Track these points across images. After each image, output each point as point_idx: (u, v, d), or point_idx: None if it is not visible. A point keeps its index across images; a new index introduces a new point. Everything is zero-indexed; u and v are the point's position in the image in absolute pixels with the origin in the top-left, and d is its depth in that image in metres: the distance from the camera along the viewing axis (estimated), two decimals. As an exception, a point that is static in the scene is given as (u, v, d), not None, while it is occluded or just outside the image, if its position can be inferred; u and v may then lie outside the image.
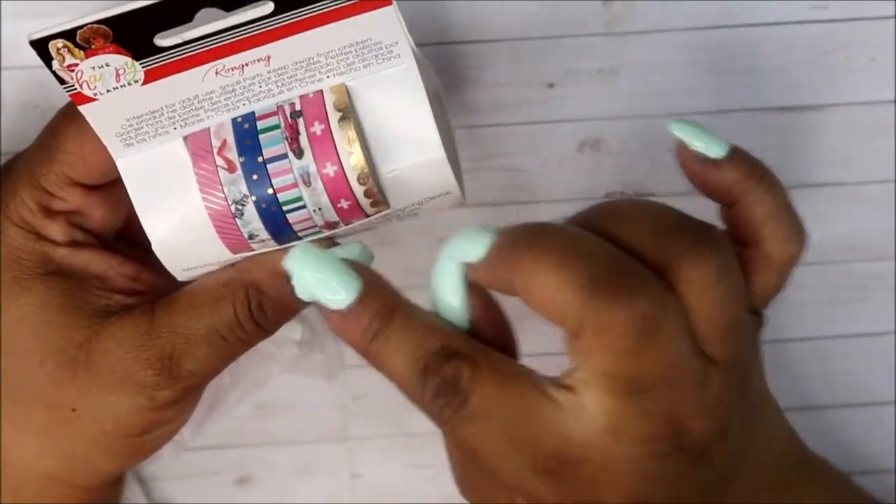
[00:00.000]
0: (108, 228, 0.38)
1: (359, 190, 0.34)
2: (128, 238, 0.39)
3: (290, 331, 0.43)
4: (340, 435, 0.46)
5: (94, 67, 0.32)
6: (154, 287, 0.37)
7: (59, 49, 0.32)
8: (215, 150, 0.34)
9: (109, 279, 0.36)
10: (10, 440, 0.37)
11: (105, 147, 0.34)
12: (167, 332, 0.35)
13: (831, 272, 0.45)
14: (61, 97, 0.42)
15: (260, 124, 0.34)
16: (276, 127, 0.34)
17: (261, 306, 0.35)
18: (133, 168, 0.35)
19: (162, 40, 0.32)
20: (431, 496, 0.46)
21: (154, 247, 0.35)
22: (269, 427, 0.46)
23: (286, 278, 0.34)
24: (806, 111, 0.44)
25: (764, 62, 0.43)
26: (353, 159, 0.33)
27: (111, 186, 0.36)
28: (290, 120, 0.34)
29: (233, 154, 0.34)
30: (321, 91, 0.34)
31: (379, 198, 0.34)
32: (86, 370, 0.35)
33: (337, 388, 0.45)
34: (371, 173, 0.34)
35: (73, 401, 0.36)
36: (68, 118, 0.35)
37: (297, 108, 0.34)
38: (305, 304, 0.35)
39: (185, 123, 0.34)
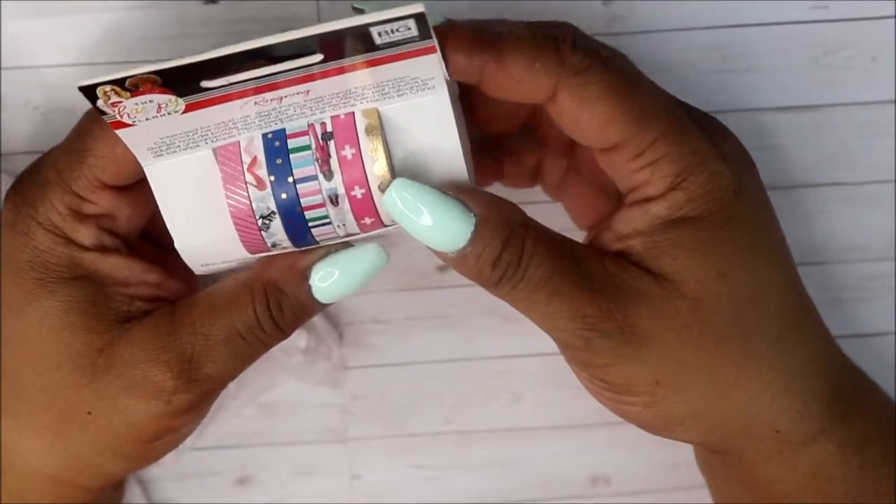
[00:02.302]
0: (133, 229, 0.38)
1: (381, 205, 0.34)
2: (150, 237, 0.39)
3: (297, 339, 0.43)
4: (340, 435, 0.46)
5: (137, 103, 0.32)
6: (176, 294, 0.37)
7: (105, 91, 0.32)
8: (245, 167, 0.34)
9: (133, 286, 0.36)
10: (11, 438, 0.37)
11: None
12: (187, 334, 0.35)
13: (831, 272, 0.45)
14: (61, 97, 0.42)
15: (291, 143, 0.34)
16: (307, 148, 0.34)
17: (279, 305, 0.35)
18: (161, 174, 0.35)
19: (208, 83, 0.32)
20: (431, 496, 0.46)
21: (177, 247, 0.35)
22: (269, 427, 0.46)
23: (303, 277, 0.35)
24: (806, 111, 0.44)
25: (764, 62, 0.43)
26: (377, 167, 0.34)
27: (138, 186, 0.36)
28: (321, 142, 0.34)
29: (263, 172, 0.34)
30: (352, 114, 0.34)
31: None
32: (104, 374, 0.35)
33: (325, 378, 0.45)
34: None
35: (88, 404, 0.36)
36: (97, 121, 0.35)
37: (329, 129, 0.34)
38: (322, 305, 0.35)
39: (217, 139, 0.34)
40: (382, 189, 0.34)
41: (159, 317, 0.36)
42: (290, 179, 0.34)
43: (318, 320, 0.44)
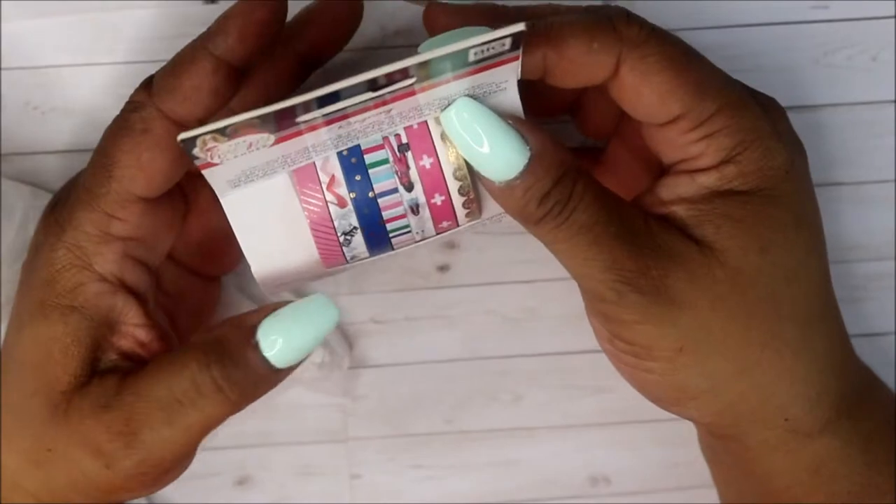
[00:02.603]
0: (161, 252, 0.37)
1: (459, 207, 0.34)
2: (178, 260, 0.38)
3: (313, 354, 0.43)
4: (340, 435, 0.46)
5: (231, 145, 0.32)
6: (155, 356, 0.36)
7: (205, 139, 0.31)
8: (324, 186, 0.34)
9: (119, 336, 0.35)
10: (2, 451, 0.36)
11: (162, 153, 0.34)
12: (130, 397, 0.34)
13: (832, 272, 0.45)
14: (61, 97, 0.42)
15: (368, 158, 0.34)
16: (385, 161, 0.34)
17: (221, 362, 0.33)
18: (237, 203, 0.34)
19: (302, 116, 0.32)
20: (431, 496, 0.46)
21: (254, 272, 0.35)
22: (269, 427, 0.46)
23: (249, 333, 0.33)
24: (806, 111, 0.44)
25: (764, 62, 0.43)
26: (456, 172, 0.34)
27: (166, 200, 0.36)
28: (398, 154, 0.34)
29: (342, 190, 0.34)
30: (426, 122, 0.34)
31: (473, 205, 0.35)
32: (64, 420, 0.34)
33: (337, 388, 0.45)
34: (470, 180, 0.34)
35: (48, 443, 0.35)
36: (118, 133, 0.34)
37: (404, 140, 0.34)
38: (277, 371, 0.34)
39: (294, 163, 0.34)
40: (463, 193, 0.34)
41: (112, 377, 0.35)
42: (371, 194, 0.34)
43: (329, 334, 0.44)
